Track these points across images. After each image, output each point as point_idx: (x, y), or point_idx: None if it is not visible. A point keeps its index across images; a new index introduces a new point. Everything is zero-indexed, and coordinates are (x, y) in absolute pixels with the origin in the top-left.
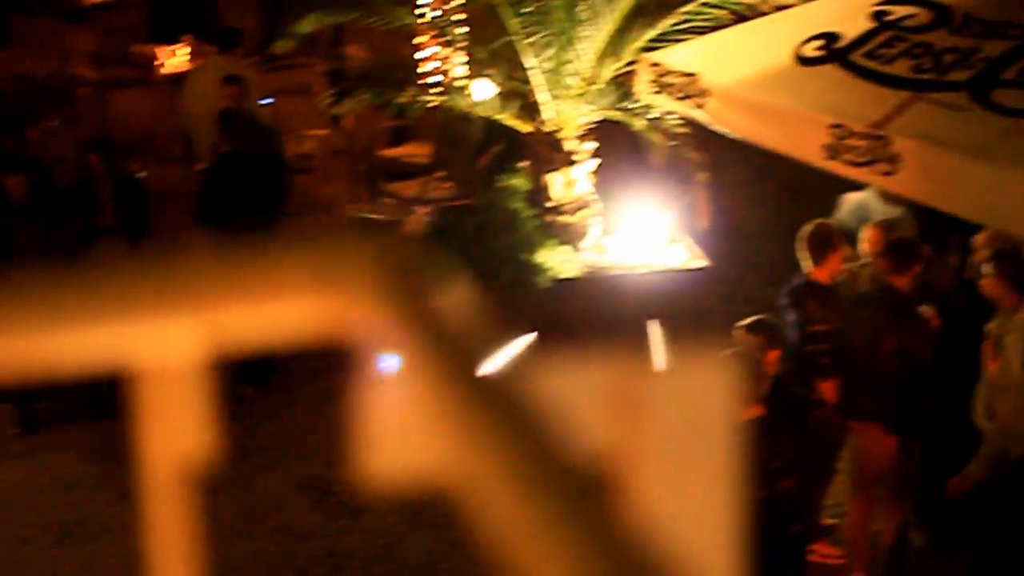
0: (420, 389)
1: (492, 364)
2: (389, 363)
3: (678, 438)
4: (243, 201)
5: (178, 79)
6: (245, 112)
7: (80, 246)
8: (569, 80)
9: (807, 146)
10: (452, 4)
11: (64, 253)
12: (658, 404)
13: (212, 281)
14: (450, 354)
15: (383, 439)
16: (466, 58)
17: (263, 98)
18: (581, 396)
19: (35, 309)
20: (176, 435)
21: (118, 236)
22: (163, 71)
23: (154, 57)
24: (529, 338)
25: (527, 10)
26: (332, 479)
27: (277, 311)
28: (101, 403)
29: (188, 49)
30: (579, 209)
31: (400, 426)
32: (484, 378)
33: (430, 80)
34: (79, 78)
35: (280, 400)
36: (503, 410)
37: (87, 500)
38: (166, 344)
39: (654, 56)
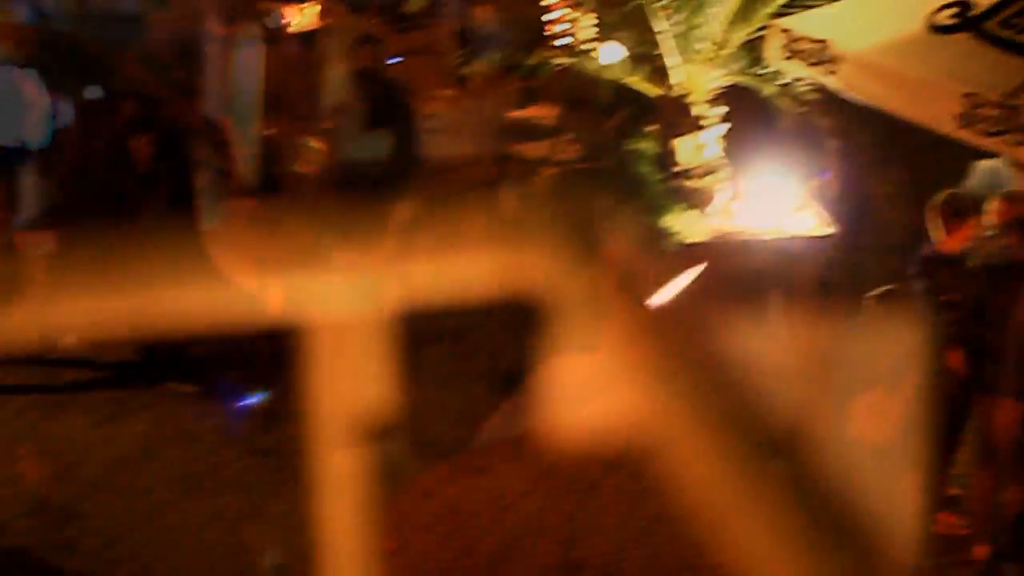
0: (596, 343)
1: (663, 296)
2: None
3: (851, 394)
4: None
5: (307, 37)
6: (377, 72)
7: (209, 207)
8: (699, 44)
9: (939, 114)
10: None
11: (192, 214)
12: (827, 362)
13: (379, 237)
14: (628, 307)
15: (546, 397)
16: (595, 20)
17: (392, 58)
18: (755, 353)
19: (205, 264)
20: (349, 387)
21: (249, 197)
22: (291, 29)
23: (282, 15)
24: (696, 271)
25: None
26: (454, 439)
27: (452, 265)
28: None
29: (318, 7)
30: (707, 174)
31: (575, 381)
32: (662, 327)
33: (559, 42)
34: (208, 35)
35: (405, 360)
36: (683, 361)
37: (212, 453)
38: (339, 298)
39: (785, 22)
